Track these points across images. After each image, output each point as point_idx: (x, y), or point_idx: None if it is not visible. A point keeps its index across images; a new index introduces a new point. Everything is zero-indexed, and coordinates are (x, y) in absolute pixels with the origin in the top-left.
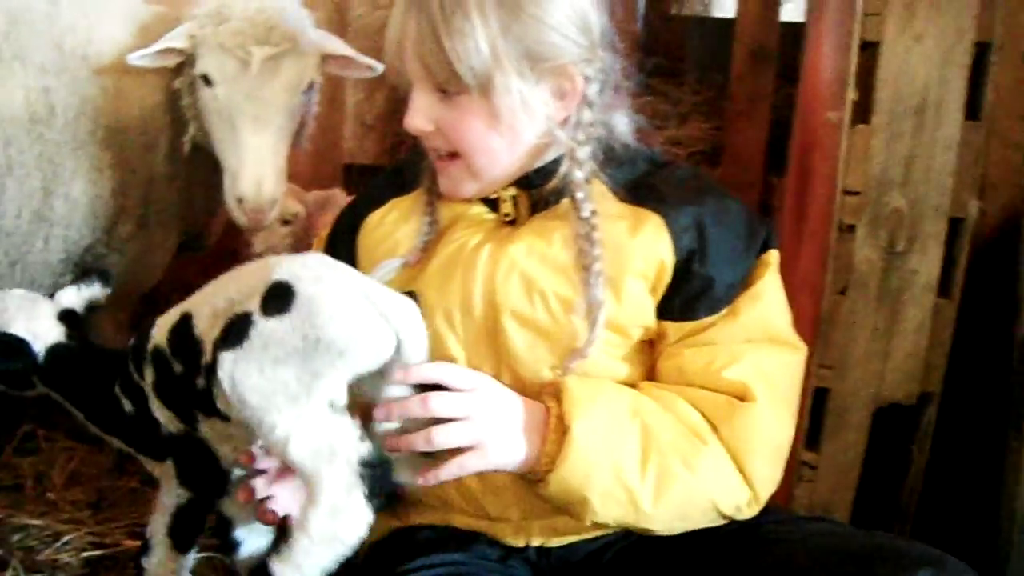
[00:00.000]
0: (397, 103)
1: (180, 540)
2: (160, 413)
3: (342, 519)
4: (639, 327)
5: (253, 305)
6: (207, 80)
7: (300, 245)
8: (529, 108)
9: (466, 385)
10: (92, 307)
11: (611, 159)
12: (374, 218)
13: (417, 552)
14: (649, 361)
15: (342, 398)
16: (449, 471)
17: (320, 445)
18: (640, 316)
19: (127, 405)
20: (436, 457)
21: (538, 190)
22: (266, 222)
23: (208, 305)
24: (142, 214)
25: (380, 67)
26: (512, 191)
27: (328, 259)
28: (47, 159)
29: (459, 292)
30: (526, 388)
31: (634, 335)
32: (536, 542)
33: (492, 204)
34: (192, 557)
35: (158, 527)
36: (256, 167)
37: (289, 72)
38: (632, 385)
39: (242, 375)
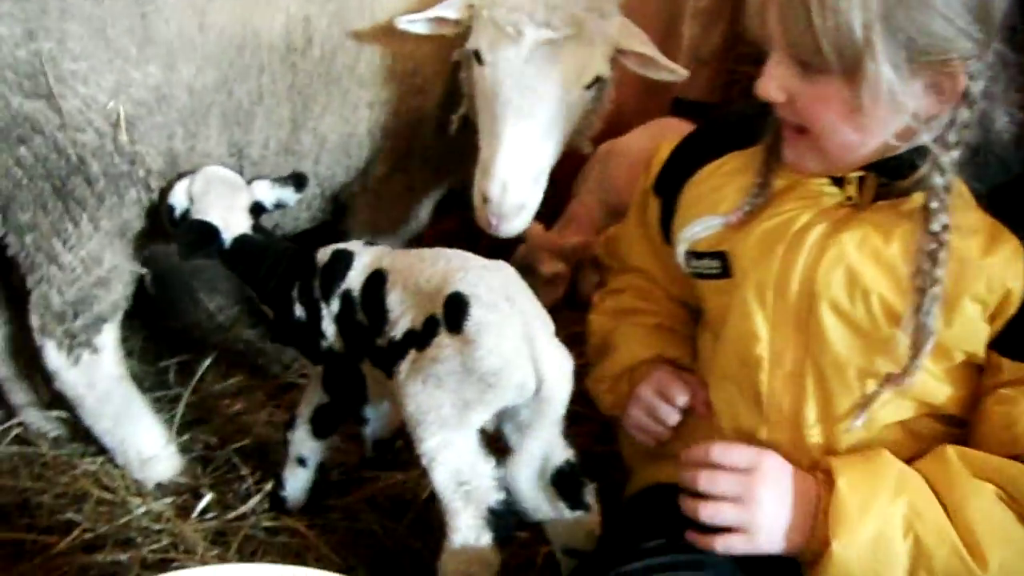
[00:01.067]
0: (734, 39)
1: (319, 430)
2: (331, 333)
3: (473, 561)
4: (964, 352)
5: (439, 308)
6: (478, 57)
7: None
8: (896, 103)
9: (744, 464)
10: (280, 206)
11: (982, 159)
12: (708, 169)
13: (676, 514)
14: (972, 384)
15: (489, 426)
16: (714, 547)
17: (461, 480)
18: (968, 342)
19: (299, 310)
20: None
21: (890, 178)
22: (505, 231)
23: (401, 277)
24: (402, 157)
25: (684, 73)
26: (860, 172)
27: (514, 281)
28: (298, 91)
29: (776, 270)
30: (827, 386)
31: (956, 358)
32: None
33: (836, 179)
34: (330, 440)
35: (303, 412)
36: (508, 166)
37: (568, 62)
38: (946, 413)
39: (411, 381)
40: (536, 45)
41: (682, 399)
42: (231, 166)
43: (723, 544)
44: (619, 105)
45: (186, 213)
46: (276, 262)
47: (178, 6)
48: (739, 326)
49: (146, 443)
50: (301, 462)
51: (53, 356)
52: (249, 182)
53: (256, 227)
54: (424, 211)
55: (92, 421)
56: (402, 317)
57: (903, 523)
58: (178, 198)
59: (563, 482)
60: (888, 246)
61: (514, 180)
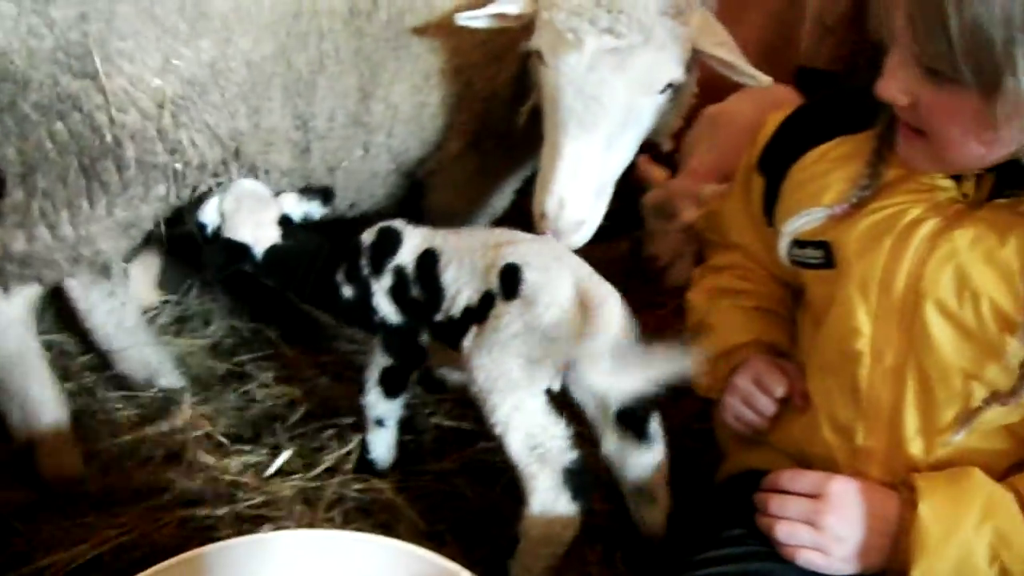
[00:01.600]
0: (862, 6)
1: (389, 390)
2: (385, 307)
3: (554, 522)
4: None
5: (493, 282)
6: (541, 58)
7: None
8: None
9: (810, 491)
10: (307, 219)
11: None
12: (815, 153)
13: None
14: None
15: (555, 386)
16: (796, 560)
17: (535, 444)
18: None
19: (347, 291)
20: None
21: (1012, 186)
22: (567, 244)
23: (456, 255)
24: (475, 132)
25: (766, 80)
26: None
27: (559, 247)
28: (365, 57)
29: (881, 265)
30: (930, 388)
31: None
32: None
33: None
34: (403, 398)
35: (371, 376)
36: (566, 181)
37: (636, 70)
38: None
39: (476, 354)
40: (599, 54)
41: (780, 390)
42: (298, 140)
43: (803, 559)
44: None
45: (217, 230)
46: (312, 260)
47: None
48: (840, 319)
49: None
50: (380, 423)
51: None
52: (276, 195)
53: (285, 235)
54: (501, 196)
55: None
56: (459, 295)
57: (988, 551)
58: (209, 216)
59: (627, 417)
60: (1003, 247)
61: (573, 196)
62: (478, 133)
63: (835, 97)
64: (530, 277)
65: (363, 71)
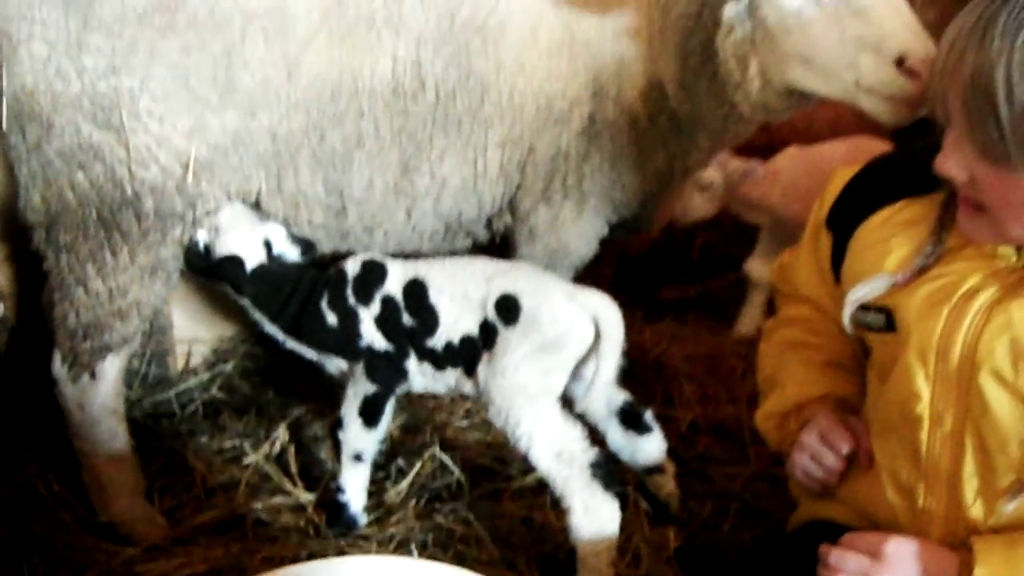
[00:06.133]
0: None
1: (369, 419)
2: (370, 335)
3: (599, 516)
4: None
5: (491, 312)
6: None
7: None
8: None
9: (868, 551)
10: (279, 258)
11: None
12: (881, 215)
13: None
14: None
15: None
16: None
17: (559, 449)
18: None
19: (331, 318)
20: None
21: None
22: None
23: (446, 286)
24: (544, 189)
25: None
26: None
27: (537, 270)
28: (408, 135)
29: (939, 333)
30: (989, 454)
31: None
32: None
33: None
34: (381, 430)
35: (351, 408)
36: (904, 17)
37: None
38: None
39: (491, 378)
40: None
41: (845, 447)
42: (331, 203)
43: None
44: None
45: (208, 246)
46: (296, 286)
47: (267, 58)
48: (901, 382)
49: (115, 483)
50: (358, 458)
51: (57, 366)
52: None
53: (270, 257)
54: (580, 242)
55: (74, 438)
56: (455, 324)
57: None
58: (202, 232)
59: (626, 416)
60: None
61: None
62: (546, 189)
63: (903, 157)
64: (527, 303)
65: (406, 147)
